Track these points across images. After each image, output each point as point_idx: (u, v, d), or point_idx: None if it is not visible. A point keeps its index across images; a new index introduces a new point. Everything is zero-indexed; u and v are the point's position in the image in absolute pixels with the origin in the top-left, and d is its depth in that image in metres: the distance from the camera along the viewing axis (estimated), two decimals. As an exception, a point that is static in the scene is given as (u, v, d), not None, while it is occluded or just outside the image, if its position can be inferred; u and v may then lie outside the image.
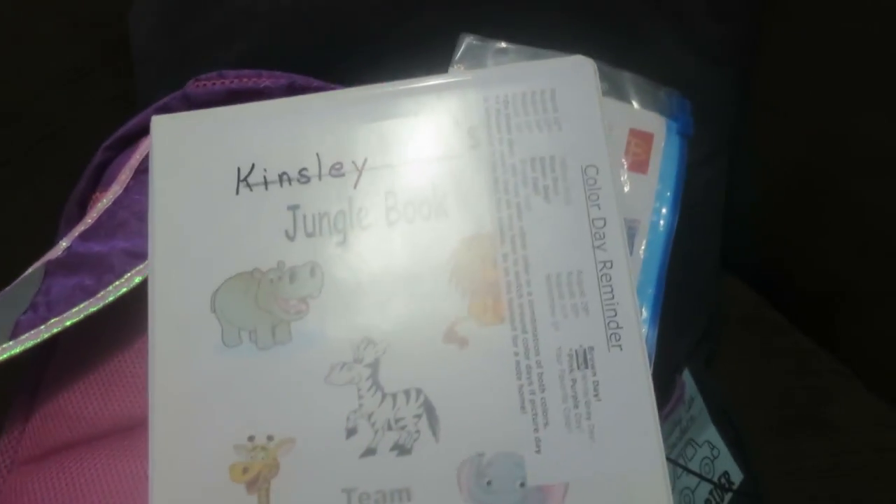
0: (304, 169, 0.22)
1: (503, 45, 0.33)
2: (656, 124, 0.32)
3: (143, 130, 0.32)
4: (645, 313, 0.29)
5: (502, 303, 0.21)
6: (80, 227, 0.29)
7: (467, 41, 0.33)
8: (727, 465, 0.33)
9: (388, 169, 0.22)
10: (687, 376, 0.33)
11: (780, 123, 0.38)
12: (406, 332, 0.21)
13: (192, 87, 0.31)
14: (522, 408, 0.20)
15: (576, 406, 0.20)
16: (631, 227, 0.30)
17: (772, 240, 0.41)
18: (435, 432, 0.20)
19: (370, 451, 0.20)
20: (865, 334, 0.38)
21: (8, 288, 0.27)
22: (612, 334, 0.21)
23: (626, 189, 0.31)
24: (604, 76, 0.32)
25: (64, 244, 0.28)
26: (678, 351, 0.35)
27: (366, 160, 0.22)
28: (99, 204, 0.29)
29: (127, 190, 0.30)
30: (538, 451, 0.20)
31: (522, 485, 0.20)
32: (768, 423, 0.38)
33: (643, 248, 0.30)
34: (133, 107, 0.40)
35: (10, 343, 0.24)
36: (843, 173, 0.36)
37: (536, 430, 0.20)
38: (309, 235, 0.22)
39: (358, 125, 0.22)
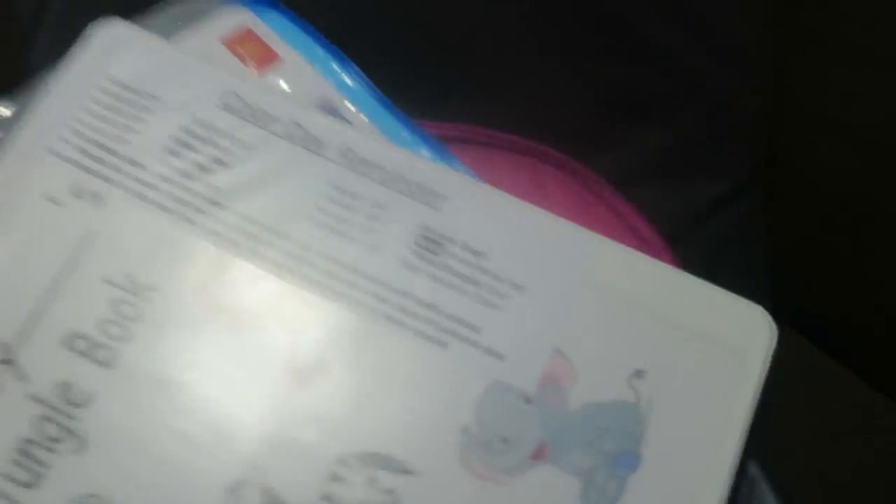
0: None
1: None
2: (240, 16, 0.26)
3: None
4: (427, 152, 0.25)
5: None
6: None
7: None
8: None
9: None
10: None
11: (831, 140, 0.34)
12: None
13: None
14: None
15: None
16: (327, 108, 0.25)
17: (827, 282, 0.36)
18: None
19: None
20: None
21: None
22: None
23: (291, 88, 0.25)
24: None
25: None
26: None
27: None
28: None
29: None
30: None
31: None
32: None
33: (361, 113, 0.25)
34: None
35: None
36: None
37: None
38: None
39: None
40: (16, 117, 0.23)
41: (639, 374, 0.21)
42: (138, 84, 0.23)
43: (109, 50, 0.23)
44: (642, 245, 0.30)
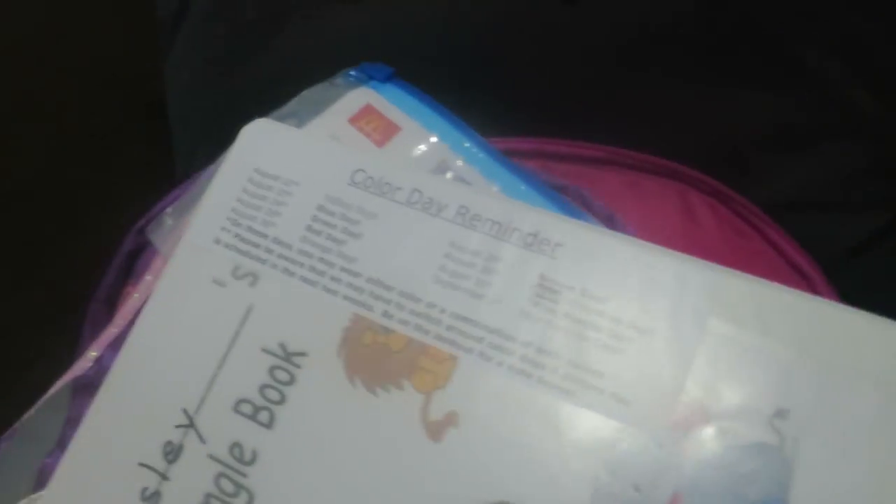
0: None
1: None
2: (363, 95, 0.27)
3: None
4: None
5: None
6: (111, 332, 0.25)
7: None
8: None
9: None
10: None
11: None
12: None
13: None
14: None
15: None
16: (446, 170, 0.25)
17: None
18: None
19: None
20: None
21: (29, 414, 0.22)
22: None
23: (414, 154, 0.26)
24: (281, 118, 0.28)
25: (93, 354, 0.25)
26: None
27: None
28: (131, 301, 0.27)
29: None
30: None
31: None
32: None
33: (476, 170, 0.25)
34: (167, 177, 0.35)
35: (36, 496, 0.20)
36: None
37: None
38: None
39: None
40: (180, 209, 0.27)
41: (781, 413, 0.19)
42: (280, 172, 0.26)
43: (256, 146, 0.26)
44: (802, 281, 0.28)
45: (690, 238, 0.29)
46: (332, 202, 0.25)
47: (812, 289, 0.27)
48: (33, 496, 0.21)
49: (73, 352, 0.28)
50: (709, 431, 0.20)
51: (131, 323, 0.27)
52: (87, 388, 0.25)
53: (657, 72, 0.32)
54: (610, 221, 0.26)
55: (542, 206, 0.25)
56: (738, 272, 0.21)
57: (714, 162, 0.30)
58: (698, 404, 0.20)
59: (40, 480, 0.22)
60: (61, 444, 0.23)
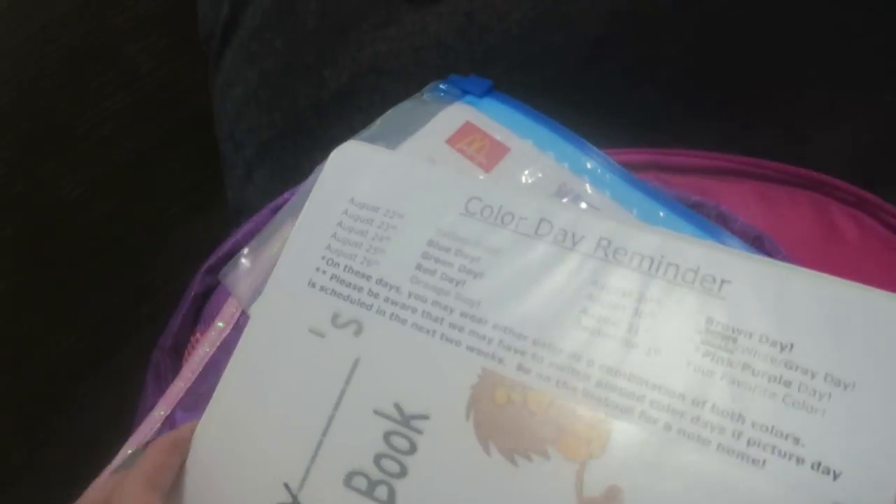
0: None
1: None
2: (459, 112, 0.24)
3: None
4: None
5: None
6: (179, 386, 0.23)
7: None
8: None
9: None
10: None
11: None
12: None
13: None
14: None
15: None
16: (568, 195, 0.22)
17: None
18: None
19: None
20: None
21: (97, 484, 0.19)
22: None
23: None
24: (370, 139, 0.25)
25: (161, 413, 0.22)
26: None
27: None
28: (200, 350, 0.23)
29: (237, 328, 0.23)
30: None
31: None
32: None
33: (606, 194, 0.22)
34: (214, 202, 0.31)
35: None
36: None
37: None
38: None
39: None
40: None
41: None
42: (381, 203, 0.22)
43: (349, 173, 0.23)
44: None
45: (834, 254, 0.25)
46: (444, 236, 0.21)
47: None
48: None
49: (122, 402, 0.24)
50: (943, 510, 0.16)
51: (201, 377, 0.24)
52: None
53: (783, 71, 0.28)
54: (758, 242, 0.23)
55: (688, 233, 0.22)
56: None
57: (849, 170, 0.27)
58: (926, 476, 0.16)
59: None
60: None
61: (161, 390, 0.24)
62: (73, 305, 0.32)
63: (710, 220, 0.22)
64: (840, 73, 0.28)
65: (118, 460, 0.22)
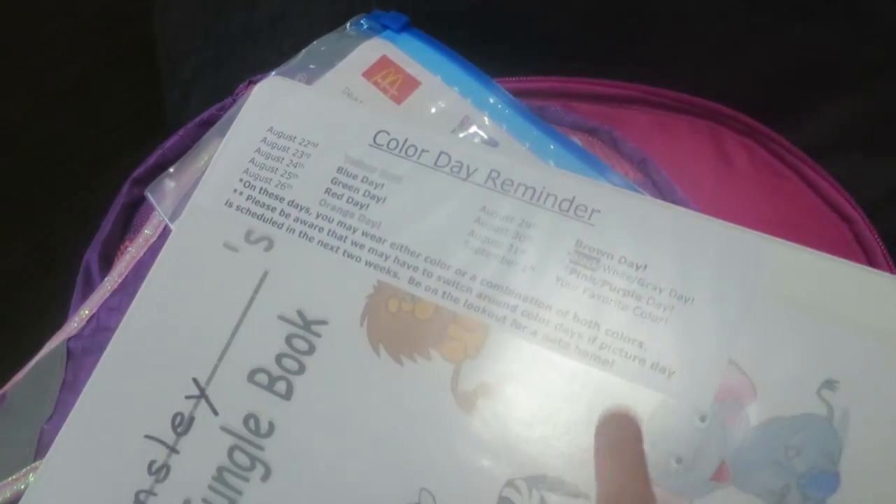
0: None
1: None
2: (377, 47, 0.26)
3: (181, 156, 0.26)
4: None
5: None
6: (106, 288, 0.24)
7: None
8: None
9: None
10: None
11: None
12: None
13: (244, 91, 0.27)
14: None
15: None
16: (466, 126, 0.24)
17: None
18: None
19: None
20: None
21: (20, 376, 0.21)
22: None
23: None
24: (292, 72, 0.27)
25: (85, 313, 0.23)
26: None
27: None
28: (127, 255, 0.24)
29: (164, 236, 0.24)
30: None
31: None
32: None
33: (503, 128, 0.24)
34: (159, 125, 0.32)
35: (38, 463, 0.19)
36: None
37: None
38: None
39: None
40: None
41: (830, 384, 0.19)
42: (297, 133, 0.24)
43: (270, 105, 0.25)
44: (843, 223, 0.27)
45: (723, 179, 0.27)
46: (353, 164, 0.24)
47: (854, 231, 0.26)
48: (34, 464, 0.19)
49: (64, 317, 0.26)
50: (754, 403, 0.19)
51: (127, 280, 0.25)
52: (82, 350, 0.24)
53: (686, 2, 0.30)
54: (643, 164, 0.25)
55: (573, 166, 0.24)
56: (785, 241, 0.20)
57: (748, 100, 0.28)
58: (743, 375, 0.19)
59: (40, 448, 0.20)
60: (59, 411, 0.22)
61: (88, 294, 0.26)
62: (18, 226, 0.33)
63: (602, 146, 0.25)
64: (749, 5, 0.29)
65: (41, 356, 0.24)
